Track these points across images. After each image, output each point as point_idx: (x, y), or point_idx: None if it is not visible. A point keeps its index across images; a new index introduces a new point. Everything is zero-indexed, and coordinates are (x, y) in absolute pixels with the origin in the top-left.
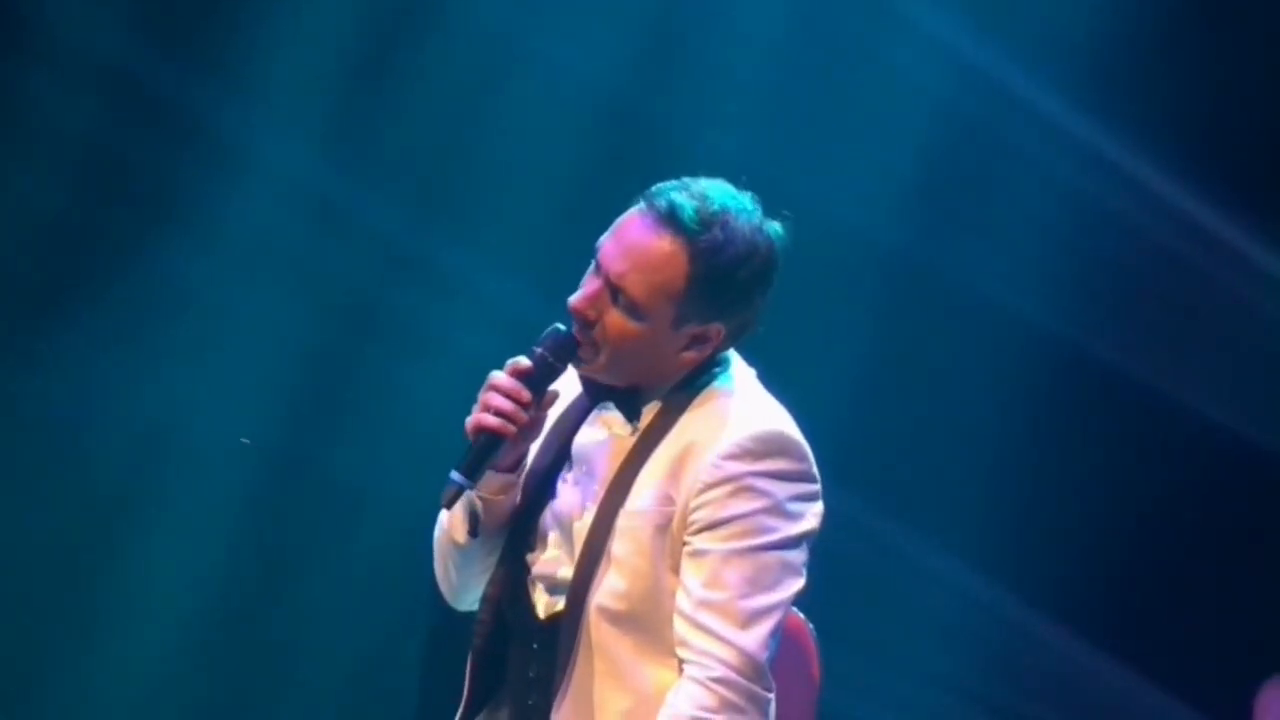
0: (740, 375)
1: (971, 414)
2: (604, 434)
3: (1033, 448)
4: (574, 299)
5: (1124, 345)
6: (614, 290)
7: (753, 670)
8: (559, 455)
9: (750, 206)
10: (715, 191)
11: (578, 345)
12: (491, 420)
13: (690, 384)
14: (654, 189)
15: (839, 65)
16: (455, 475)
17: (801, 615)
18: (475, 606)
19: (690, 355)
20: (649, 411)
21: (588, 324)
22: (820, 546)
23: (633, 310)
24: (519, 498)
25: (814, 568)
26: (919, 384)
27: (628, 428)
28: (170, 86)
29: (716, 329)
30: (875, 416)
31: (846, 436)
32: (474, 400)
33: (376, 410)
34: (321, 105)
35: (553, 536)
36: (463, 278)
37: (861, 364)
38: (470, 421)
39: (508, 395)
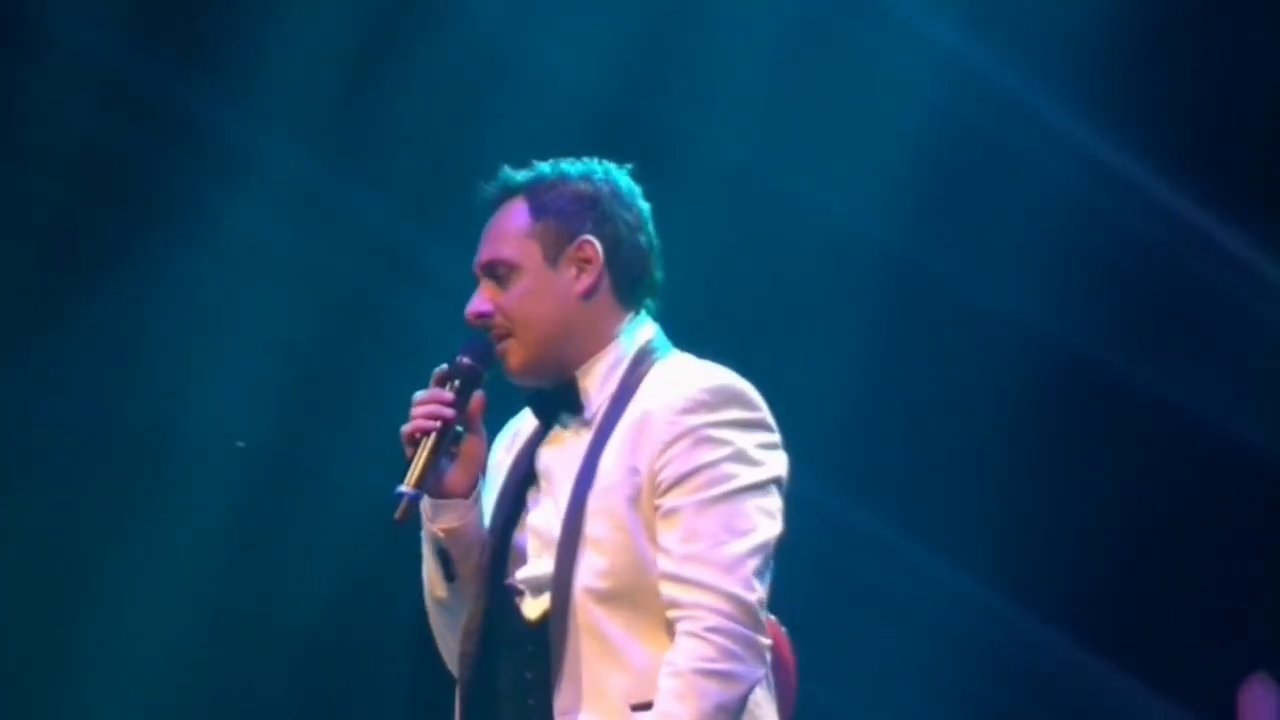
0: (680, 356)
1: (969, 418)
2: (563, 442)
3: (1031, 451)
4: (469, 308)
5: (1122, 349)
6: (490, 273)
7: (745, 614)
8: (522, 482)
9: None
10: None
11: (491, 346)
12: (415, 423)
13: (632, 368)
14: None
15: (836, 68)
16: (400, 488)
17: (774, 618)
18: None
19: (584, 283)
20: (599, 401)
21: (488, 318)
22: (816, 549)
23: (510, 272)
24: (487, 535)
25: (810, 572)
26: (917, 388)
27: (581, 422)
28: (166, 88)
29: (586, 243)
30: (873, 420)
31: (845, 440)
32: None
33: (371, 412)
34: (317, 106)
35: (532, 547)
36: (458, 279)
37: (859, 366)
38: (402, 435)
39: (428, 401)
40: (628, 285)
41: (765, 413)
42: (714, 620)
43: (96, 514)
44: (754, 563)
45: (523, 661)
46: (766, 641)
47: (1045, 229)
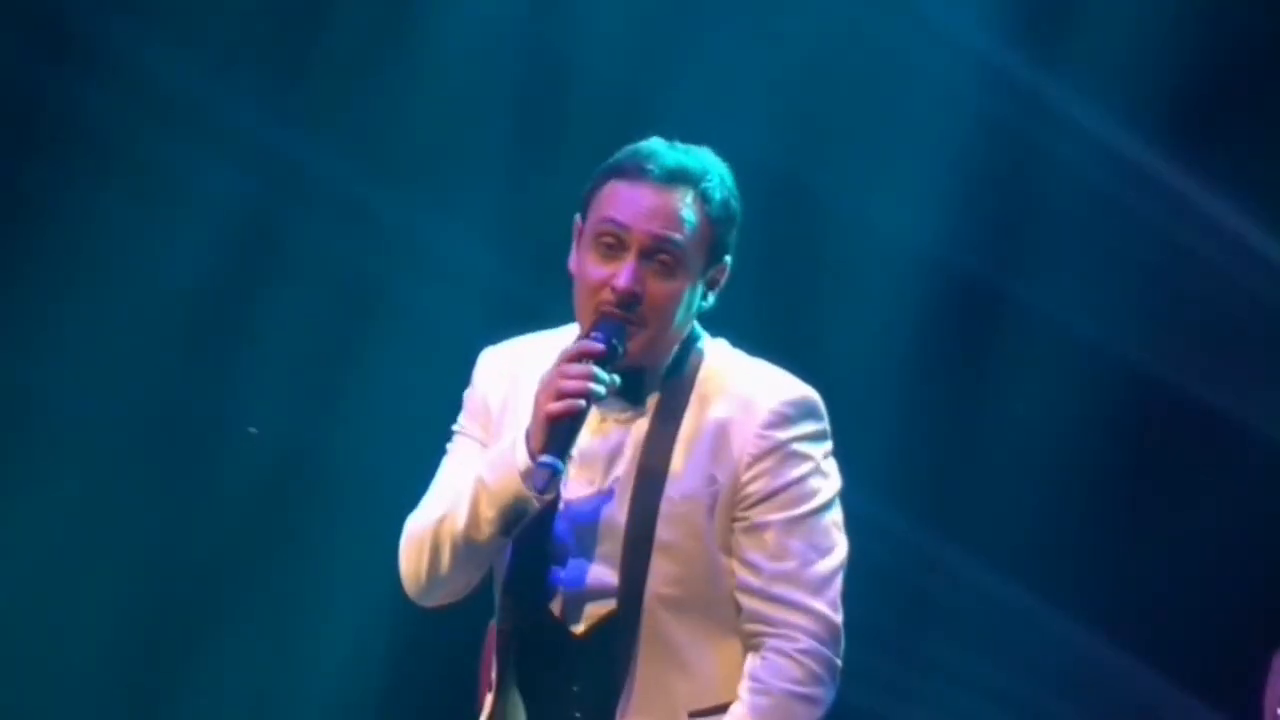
0: (717, 344)
1: (1017, 425)
2: (606, 428)
3: (1086, 462)
4: (621, 279)
5: (1177, 360)
6: (654, 253)
7: (833, 636)
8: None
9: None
10: (679, 145)
11: (624, 333)
12: (562, 405)
13: (682, 361)
14: (634, 160)
15: (879, 74)
16: (548, 459)
17: None
18: (439, 603)
19: (708, 301)
20: (650, 387)
21: (635, 302)
22: (865, 560)
23: (675, 267)
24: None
25: (864, 583)
26: (961, 394)
27: (627, 412)
28: (172, 73)
29: (726, 267)
30: (922, 430)
31: (894, 452)
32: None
33: (382, 399)
34: (312, 88)
35: (582, 548)
36: (462, 263)
37: (909, 376)
38: (544, 411)
39: (583, 376)
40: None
41: (828, 420)
42: (806, 642)
43: (107, 503)
44: (838, 582)
45: (571, 673)
46: (840, 664)
47: (1101, 241)
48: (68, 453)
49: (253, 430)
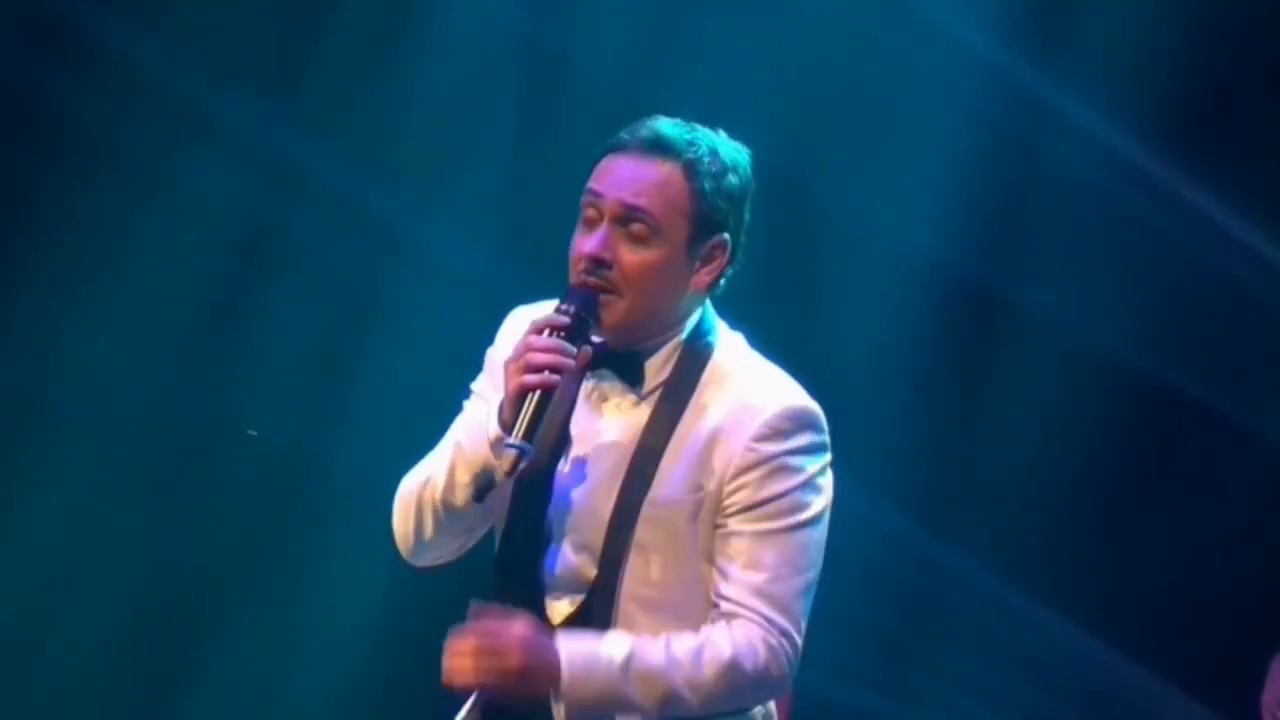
0: (732, 340)
1: (1020, 427)
2: (605, 412)
3: (1082, 462)
4: (588, 245)
5: (1177, 362)
6: (625, 221)
7: (789, 652)
8: (556, 447)
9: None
10: (678, 120)
11: (595, 302)
12: (536, 378)
13: (690, 353)
14: (623, 133)
15: (879, 75)
16: (514, 441)
17: None
18: (432, 563)
19: (704, 279)
20: (653, 383)
21: (604, 268)
22: (866, 559)
23: (649, 235)
24: (514, 489)
25: (863, 583)
26: (963, 398)
27: (630, 396)
28: (172, 73)
29: (722, 242)
30: (921, 431)
31: (893, 453)
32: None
33: (377, 400)
34: (312, 89)
35: (564, 535)
36: (457, 263)
37: (908, 377)
38: (515, 384)
39: (551, 350)
40: (720, 281)
41: (827, 433)
42: (764, 654)
43: (107, 504)
44: (805, 602)
45: None
46: (780, 676)
47: (1094, 240)
48: (68, 454)
49: (252, 433)
